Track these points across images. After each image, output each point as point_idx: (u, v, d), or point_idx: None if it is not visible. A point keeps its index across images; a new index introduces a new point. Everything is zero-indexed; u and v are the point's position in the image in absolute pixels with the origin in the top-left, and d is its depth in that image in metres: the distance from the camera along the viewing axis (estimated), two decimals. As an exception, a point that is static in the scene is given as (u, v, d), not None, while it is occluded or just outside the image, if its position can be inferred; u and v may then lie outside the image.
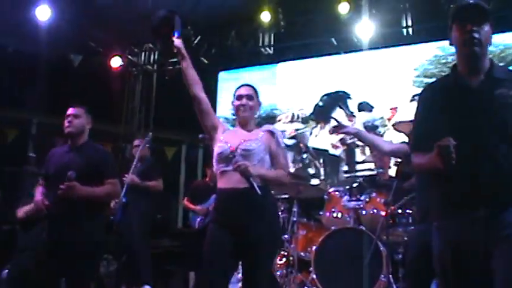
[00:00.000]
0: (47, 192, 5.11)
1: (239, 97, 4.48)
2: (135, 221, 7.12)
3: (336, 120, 5.00)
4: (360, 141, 4.79)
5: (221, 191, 4.28)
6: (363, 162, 9.36)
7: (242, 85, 4.58)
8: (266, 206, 4.25)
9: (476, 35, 3.03)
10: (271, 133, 4.44)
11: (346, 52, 10.38)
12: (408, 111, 9.51)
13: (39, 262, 5.13)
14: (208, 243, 4.20)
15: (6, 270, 7.21)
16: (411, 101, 9.53)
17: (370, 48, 9.98)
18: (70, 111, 5.21)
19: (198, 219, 7.97)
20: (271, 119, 10.43)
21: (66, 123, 5.17)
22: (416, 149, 3.15)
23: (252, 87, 4.57)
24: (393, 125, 9.44)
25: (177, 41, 4.49)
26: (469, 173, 2.92)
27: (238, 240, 4.12)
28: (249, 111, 4.47)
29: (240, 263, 4.28)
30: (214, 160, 4.35)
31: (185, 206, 8.01)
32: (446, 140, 2.78)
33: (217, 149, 4.34)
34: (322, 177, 9.74)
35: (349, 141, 9.69)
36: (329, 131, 4.89)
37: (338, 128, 4.84)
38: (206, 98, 4.49)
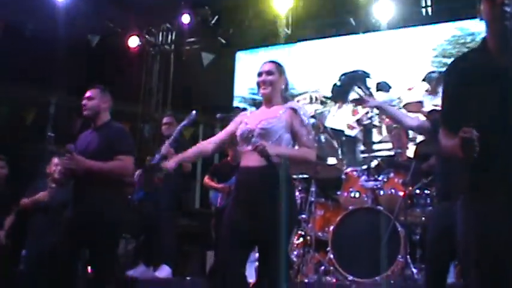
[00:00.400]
0: None
1: (259, 74, 4.40)
2: (164, 199, 7.04)
3: (358, 93, 4.94)
4: (384, 114, 4.69)
5: (240, 169, 4.28)
6: (380, 142, 9.34)
7: (264, 62, 4.49)
8: (282, 184, 4.17)
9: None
10: (294, 110, 4.32)
11: (364, 32, 10.32)
12: (420, 91, 9.47)
13: (60, 242, 5.17)
14: (226, 222, 4.20)
15: (25, 250, 7.30)
16: (423, 80, 9.48)
17: (389, 29, 9.92)
18: (86, 93, 5.23)
19: (220, 197, 7.96)
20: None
21: (82, 106, 5.21)
22: (444, 126, 3.02)
23: (275, 62, 4.47)
24: (403, 106, 9.44)
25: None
26: (497, 153, 2.81)
27: (254, 219, 4.08)
28: (269, 88, 4.35)
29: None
30: (238, 141, 4.34)
31: (206, 184, 7.94)
32: (470, 131, 2.65)
33: (238, 130, 4.32)
34: (340, 157, 9.71)
35: (365, 122, 9.64)
36: (353, 104, 4.82)
37: (361, 101, 4.77)
38: (214, 144, 4.53)
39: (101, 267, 4.96)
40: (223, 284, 3.97)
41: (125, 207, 5.25)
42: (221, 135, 4.55)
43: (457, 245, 3.74)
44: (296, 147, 4.34)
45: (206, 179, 7.77)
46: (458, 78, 2.98)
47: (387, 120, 9.02)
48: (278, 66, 4.45)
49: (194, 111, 6.94)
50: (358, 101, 4.78)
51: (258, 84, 4.40)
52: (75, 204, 5.06)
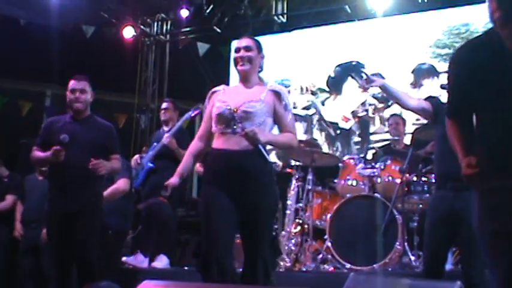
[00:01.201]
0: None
1: (237, 50, 4.25)
2: (164, 190, 6.99)
3: (365, 73, 4.88)
4: (386, 94, 4.63)
5: (219, 152, 4.09)
6: (375, 133, 9.33)
7: (240, 38, 4.33)
8: (266, 170, 4.12)
9: None
10: (277, 93, 4.21)
11: (359, 20, 10.29)
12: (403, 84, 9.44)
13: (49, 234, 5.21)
14: (208, 211, 4.01)
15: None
16: (412, 72, 9.45)
17: (385, 16, 9.90)
18: (75, 84, 5.20)
19: None
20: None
21: (73, 99, 5.18)
22: (452, 116, 2.98)
23: (253, 38, 4.33)
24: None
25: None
26: (509, 139, 2.75)
27: (237, 205, 3.99)
28: (248, 64, 4.20)
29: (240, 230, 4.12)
30: (213, 121, 4.16)
31: (198, 172, 7.90)
32: (473, 165, 2.67)
33: (215, 109, 4.13)
34: (335, 149, 9.69)
35: (360, 114, 9.63)
36: (359, 86, 4.76)
37: (367, 81, 4.72)
38: (204, 139, 4.35)
39: (91, 258, 4.99)
40: (220, 272, 3.86)
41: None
42: (204, 125, 4.34)
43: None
44: (277, 131, 4.26)
45: (198, 167, 7.71)
46: (465, 66, 2.91)
47: (381, 110, 9.05)
48: (256, 42, 4.32)
49: (201, 105, 6.93)
50: (366, 81, 4.71)
51: (236, 60, 4.24)
52: (61, 197, 5.07)
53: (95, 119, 5.32)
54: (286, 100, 4.23)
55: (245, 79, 4.25)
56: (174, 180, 4.34)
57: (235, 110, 4.07)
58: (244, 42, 4.26)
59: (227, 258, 3.92)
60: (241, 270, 4.13)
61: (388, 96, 4.67)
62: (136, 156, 7.27)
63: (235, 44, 4.35)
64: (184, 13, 10.93)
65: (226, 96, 4.19)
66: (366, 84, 4.75)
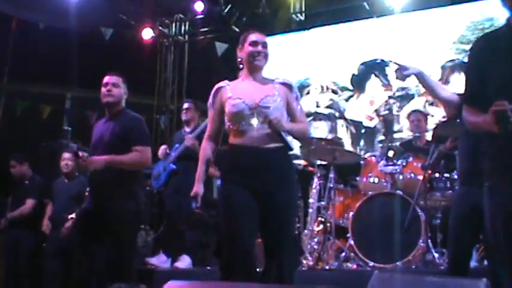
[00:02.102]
0: None
1: (254, 43, 4.15)
2: (187, 191, 6.97)
3: (396, 63, 4.81)
4: (421, 83, 4.55)
5: (241, 148, 4.04)
6: (399, 131, 9.27)
7: (254, 31, 4.25)
8: (288, 167, 4.12)
9: None
10: (287, 85, 4.20)
11: (378, 16, 10.23)
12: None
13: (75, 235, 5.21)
14: (232, 210, 3.96)
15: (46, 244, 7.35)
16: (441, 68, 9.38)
17: (403, 12, 9.84)
18: (108, 79, 5.14)
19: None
20: (304, 88, 10.33)
21: (105, 92, 5.11)
22: (469, 103, 2.96)
23: (264, 35, 4.26)
24: (422, 94, 9.35)
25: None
26: None
27: (260, 204, 3.95)
28: (264, 60, 4.18)
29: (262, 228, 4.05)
30: (228, 118, 4.10)
31: (210, 174, 7.88)
32: (502, 104, 2.59)
33: (231, 107, 4.06)
34: (359, 148, 9.64)
35: (383, 112, 9.58)
36: (395, 76, 4.65)
37: (401, 70, 4.67)
38: (214, 140, 4.35)
39: (120, 259, 4.96)
40: (247, 272, 3.84)
41: (142, 198, 5.19)
42: (213, 124, 4.28)
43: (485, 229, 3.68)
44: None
45: (211, 169, 7.68)
46: (483, 55, 2.90)
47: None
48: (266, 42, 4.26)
49: None
50: (399, 69, 4.64)
51: (252, 54, 4.15)
52: (93, 197, 5.07)
53: (126, 114, 5.17)
54: (296, 91, 4.24)
55: (255, 74, 4.19)
56: (199, 189, 4.27)
57: (254, 106, 4.03)
58: (263, 38, 4.21)
59: (250, 257, 3.90)
60: (261, 269, 4.10)
61: (422, 84, 4.57)
62: (164, 146, 7.29)
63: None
64: (199, 6, 10.90)
65: (238, 93, 4.13)
66: (401, 73, 4.66)
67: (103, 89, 5.13)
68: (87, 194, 5.61)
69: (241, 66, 4.29)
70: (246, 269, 3.84)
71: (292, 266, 4.11)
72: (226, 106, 4.12)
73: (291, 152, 4.21)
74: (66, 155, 7.25)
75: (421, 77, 4.59)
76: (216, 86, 4.27)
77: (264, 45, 4.18)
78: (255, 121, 4.00)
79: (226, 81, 4.28)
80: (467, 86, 2.99)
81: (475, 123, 2.91)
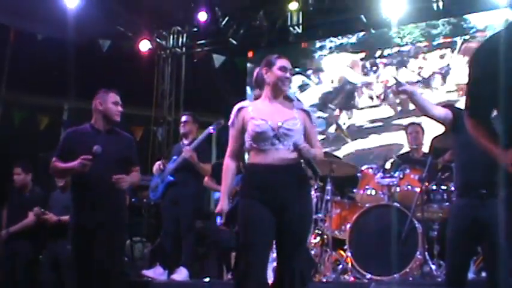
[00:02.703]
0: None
1: (283, 68, 4.31)
2: (184, 202, 6.99)
3: (395, 78, 4.90)
4: (412, 102, 4.62)
5: (261, 166, 4.16)
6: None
7: (281, 56, 4.40)
8: (306, 184, 4.27)
9: None
10: (307, 112, 4.36)
11: (375, 29, 10.28)
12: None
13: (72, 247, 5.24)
14: (249, 224, 4.11)
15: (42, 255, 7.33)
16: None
17: (400, 25, 9.89)
18: (117, 98, 5.31)
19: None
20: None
21: (116, 112, 5.26)
22: (472, 114, 2.89)
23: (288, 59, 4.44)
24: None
25: None
26: None
27: (278, 218, 4.08)
28: (289, 86, 4.38)
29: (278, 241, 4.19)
30: (250, 137, 4.21)
31: (208, 186, 7.90)
32: None
33: (254, 127, 4.19)
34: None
35: None
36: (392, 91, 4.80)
37: (398, 86, 4.72)
38: (237, 158, 4.46)
39: (111, 270, 4.99)
40: (255, 281, 3.94)
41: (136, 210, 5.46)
42: (235, 143, 4.38)
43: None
44: None
45: (207, 180, 7.70)
46: (486, 62, 2.87)
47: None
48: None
49: (222, 120, 6.95)
50: (396, 84, 4.71)
51: (281, 80, 4.31)
52: (88, 209, 5.09)
53: (117, 131, 5.35)
54: (313, 118, 4.41)
55: (277, 97, 4.34)
56: (224, 206, 4.35)
57: (277, 127, 4.17)
58: (290, 65, 4.38)
59: (264, 273, 4.05)
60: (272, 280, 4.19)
61: (413, 103, 4.64)
62: (159, 162, 7.29)
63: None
64: (202, 17, 10.92)
65: (261, 114, 4.25)
66: (397, 88, 4.73)
67: (115, 108, 5.25)
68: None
69: (256, 85, 4.46)
70: (258, 281, 3.96)
71: (305, 278, 4.19)
72: (249, 126, 4.24)
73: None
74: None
75: (413, 96, 4.64)
76: (238, 106, 4.39)
77: (291, 72, 4.38)
78: (276, 142, 4.16)
79: (248, 102, 4.45)
80: (470, 99, 2.93)
81: (483, 145, 2.87)
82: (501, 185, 2.96)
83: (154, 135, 11.37)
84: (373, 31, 10.33)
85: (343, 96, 10.56)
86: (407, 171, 6.56)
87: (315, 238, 6.90)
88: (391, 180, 6.54)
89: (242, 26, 11.09)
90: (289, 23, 11.00)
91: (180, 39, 11.85)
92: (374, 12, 10.11)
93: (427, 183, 6.24)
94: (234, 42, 11.11)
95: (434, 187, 6.30)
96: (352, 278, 6.34)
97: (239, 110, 4.35)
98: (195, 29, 11.41)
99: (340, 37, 10.84)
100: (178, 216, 6.94)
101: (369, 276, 6.05)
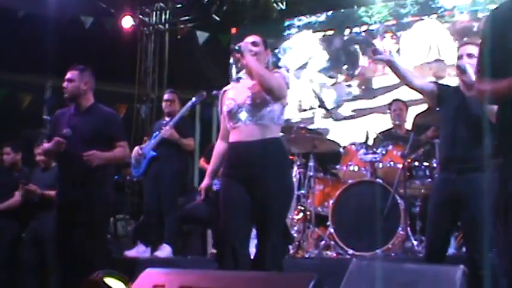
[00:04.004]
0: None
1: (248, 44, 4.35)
2: (166, 179, 6.98)
3: (372, 43, 4.93)
4: (393, 71, 4.60)
5: (233, 144, 4.26)
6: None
7: (249, 35, 4.45)
8: (276, 158, 4.22)
9: None
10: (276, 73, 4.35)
11: (360, 6, 10.26)
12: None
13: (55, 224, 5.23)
14: (224, 201, 4.20)
15: (25, 233, 7.30)
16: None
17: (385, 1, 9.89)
18: (66, 75, 5.21)
19: (217, 181, 7.94)
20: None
21: (63, 89, 5.20)
22: (486, 74, 2.86)
23: (259, 36, 4.42)
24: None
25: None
26: None
27: (251, 194, 4.12)
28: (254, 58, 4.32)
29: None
30: (226, 119, 4.32)
31: (202, 167, 7.92)
32: None
33: (225, 107, 4.31)
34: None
35: None
36: (368, 55, 4.80)
37: (373, 52, 4.70)
38: (224, 142, 4.43)
39: (93, 248, 4.99)
40: (234, 260, 3.99)
41: (112, 186, 5.37)
42: (223, 125, 4.47)
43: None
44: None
45: (202, 162, 7.73)
46: (499, 25, 2.85)
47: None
48: (263, 39, 4.43)
49: (204, 92, 6.92)
50: (373, 52, 4.69)
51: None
52: (65, 188, 5.08)
53: (98, 108, 5.29)
54: (286, 78, 4.32)
55: (249, 74, 4.34)
56: (206, 182, 4.50)
57: (241, 103, 4.21)
58: (251, 38, 4.37)
59: (241, 248, 4.07)
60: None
61: (394, 73, 4.60)
62: (137, 148, 7.24)
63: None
64: None
65: (234, 93, 4.33)
66: (373, 56, 4.71)
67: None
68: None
69: None
70: (236, 259, 4.01)
71: (279, 253, 4.24)
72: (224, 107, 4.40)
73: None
74: (39, 149, 7.14)
75: (391, 64, 4.62)
76: (223, 89, 4.52)
77: (254, 44, 4.37)
78: (245, 117, 4.20)
79: (233, 84, 4.56)
80: (485, 61, 2.90)
81: (501, 89, 2.82)
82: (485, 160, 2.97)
83: (138, 112, 11.31)
84: (342, 10, 10.38)
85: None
86: (390, 147, 6.58)
87: (297, 214, 6.93)
88: (374, 156, 6.56)
89: (225, 2, 10.99)
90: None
91: (163, 16, 11.73)
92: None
93: (409, 160, 6.28)
94: (218, 18, 11.04)
95: (416, 163, 6.34)
96: (334, 254, 6.38)
97: (223, 93, 4.45)
98: (179, 5, 11.31)
99: (308, 16, 10.90)
100: (160, 192, 6.92)
101: (351, 252, 6.09)
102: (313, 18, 10.86)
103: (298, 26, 11.00)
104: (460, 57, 4.44)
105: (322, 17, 10.80)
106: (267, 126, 4.18)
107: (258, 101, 4.18)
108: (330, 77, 9.99)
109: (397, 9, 10.19)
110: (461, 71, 4.36)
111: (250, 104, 4.19)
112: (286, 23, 11.12)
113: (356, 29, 10.40)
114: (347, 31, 10.50)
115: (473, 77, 3.96)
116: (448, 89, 4.59)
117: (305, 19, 10.93)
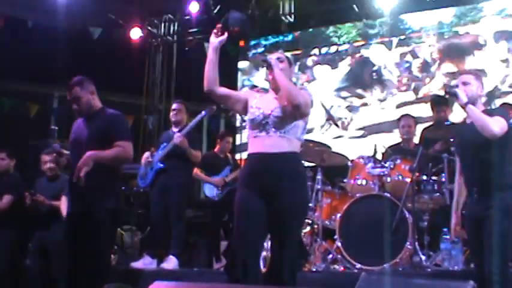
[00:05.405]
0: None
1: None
2: (174, 191, 6.94)
3: (446, 85, 4.95)
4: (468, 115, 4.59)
5: (253, 155, 4.23)
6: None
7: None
8: (297, 171, 4.24)
9: None
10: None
11: (367, 19, 10.27)
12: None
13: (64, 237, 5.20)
14: (240, 213, 4.16)
15: (31, 243, 7.29)
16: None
17: (392, 14, 9.90)
18: (69, 95, 5.06)
19: (216, 190, 7.94)
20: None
21: (73, 108, 5.06)
22: None
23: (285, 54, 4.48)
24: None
25: None
26: None
27: (270, 207, 4.09)
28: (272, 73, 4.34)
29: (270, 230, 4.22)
30: (247, 126, 4.33)
31: (197, 177, 7.93)
32: None
33: (249, 115, 4.29)
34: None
35: None
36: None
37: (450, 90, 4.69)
38: (224, 89, 4.40)
39: (98, 259, 4.94)
40: (244, 274, 3.96)
41: (119, 196, 5.23)
42: (229, 90, 4.47)
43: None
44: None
45: (197, 171, 7.73)
46: None
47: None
48: (287, 56, 4.46)
49: (214, 106, 6.93)
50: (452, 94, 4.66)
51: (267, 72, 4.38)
52: (74, 199, 5.05)
53: (103, 113, 5.11)
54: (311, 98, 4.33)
55: (275, 87, 4.33)
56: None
57: (267, 114, 4.20)
58: (276, 54, 4.42)
59: (252, 260, 4.04)
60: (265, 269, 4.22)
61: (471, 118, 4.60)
62: (147, 153, 7.24)
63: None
64: (193, 7, 10.87)
65: (259, 102, 4.31)
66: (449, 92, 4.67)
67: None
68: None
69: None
70: (246, 272, 3.97)
71: (294, 267, 4.17)
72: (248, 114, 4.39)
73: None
74: (46, 157, 7.12)
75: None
76: (252, 90, 4.69)
77: (279, 59, 4.40)
78: (267, 128, 4.20)
79: (260, 92, 4.53)
80: None
81: None
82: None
83: (145, 123, 11.33)
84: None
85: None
86: (398, 161, 6.55)
87: (305, 228, 6.90)
88: (382, 170, 6.53)
89: (234, 14, 11.01)
90: (281, 12, 10.94)
91: (172, 27, 11.77)
92: (366, 1, 10.09)
93: (417, 174, 6.25)
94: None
95: (424, 177, 6.32)
96: (342, 268, 6.35)
97: (251, 91, 4.58)
98: (187, 17, 11.33)
99: (275, 36, 11.20)
100: (167, 204, 6.91)
101: (358, 266, 6.06)
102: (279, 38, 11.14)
103: (265, 45, 11.14)
104: (456, 86, 4.58)
105: (289, 37, 11.04)
106: (290, 140, 4.18)
107: (285, 114, 4.17)
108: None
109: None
110: (453, 96, 4.54)
111: (276, 117, 4.17)
112: (253, 42, 11.23)
113: (324, 49, 10.64)
114: (315, 51, 10.75)
115: (464, 100, 4.37)
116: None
117: (272, 39, 11.21)
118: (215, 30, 4.37)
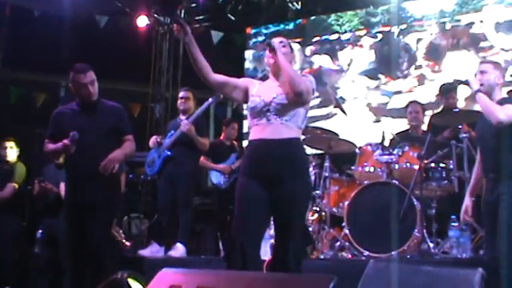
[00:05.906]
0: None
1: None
2: (181, 179, 6.95)
3: (460, 81, 5.00)
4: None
5: (254, 142, 4.19)
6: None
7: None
8: (299, 158, 4.19)
9: None
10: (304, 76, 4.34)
11: (375, 5, 10.22)
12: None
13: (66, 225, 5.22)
14: (241, 200, 4.13)
15: (40, 231, 7.29)
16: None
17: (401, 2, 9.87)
18: (84, 78, 5.08)
19: (222, 178, 7.94)
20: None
21: (87, 93, 5.08)
22: None
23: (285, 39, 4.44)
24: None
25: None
26: None
27: (271, 194, 4.06)
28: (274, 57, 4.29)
29: (272, 217, 4.21)
30: (248, 115, 4.29)
31: (203, 165, 7.91)
32: None
33: (250, 103, 4.26)
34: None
35: None
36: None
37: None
38: (220, 76, 4.38)
39: (105, 249, 4.97)
40: (243, 261, 3.93)
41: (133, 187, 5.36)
42: (226, 77, 4.42)
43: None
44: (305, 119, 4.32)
45: (203, 159, 7.72)
46: None
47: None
48: (288, 42, 4.42)
49: (221, 94, 6.90)
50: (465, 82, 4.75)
51: (266, 57, 4.36)
52: (76, 188, 5.06)
53: (102, 103, 5.21)
54: (313, 84, 4.30)
55: (276, 73, 4.32)
56: None
57: (268, 102, 4.17)
58: (279, 38, 4.40)
59: (250, 249, 4.00)
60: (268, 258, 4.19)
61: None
62: (155, 136, 7.23)
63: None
64: None
65: (260, 91, 4.28)
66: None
67: (85, 90, 5.09)
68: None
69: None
70: (245, 259, 3.94)
71: (299, 254, 4.15)
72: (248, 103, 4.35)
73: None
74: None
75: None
76: (250, 79, 4.62)
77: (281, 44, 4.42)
78: (268, 115, 4.17)
79: (259, 81, 4.51)
80: None
81: None
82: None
83: (152, 112, 11.31)
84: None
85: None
86: (406, 148, 6.51)
87: (312, 215, 6.89)
88: (390, 157, 6.50)
89: (240, 2, 10.98)
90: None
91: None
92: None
93: (425, 161, 6.22)
94: (233, 18, 11.02)
95: (433, 165, 6.28)
96: (349, 256, 6.33)
97: (250, 80, 4.54)
98: (193, 5, 11.30)
99: (276, 24, 11.14)
100: (175, 192, 6.90)
101: (366, 253, 6.04)
102: (281, 27, 11.08)
103: (265, 34, 11.10)
104: (475, 75, 4.69)
105: (290, 25, 10.97)
106: (290, 128, 4.15)
107: (286, 101, 4.14)
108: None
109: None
110: (465, 84, 4.74)
111: (277, 104, 4.14)
112: (253, 31, 11.18)
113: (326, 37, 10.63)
114: (315, 39, 10.73)
115: (475, 88, 4.57)
116: None
117: (272, 27, 11.13)
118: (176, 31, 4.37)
